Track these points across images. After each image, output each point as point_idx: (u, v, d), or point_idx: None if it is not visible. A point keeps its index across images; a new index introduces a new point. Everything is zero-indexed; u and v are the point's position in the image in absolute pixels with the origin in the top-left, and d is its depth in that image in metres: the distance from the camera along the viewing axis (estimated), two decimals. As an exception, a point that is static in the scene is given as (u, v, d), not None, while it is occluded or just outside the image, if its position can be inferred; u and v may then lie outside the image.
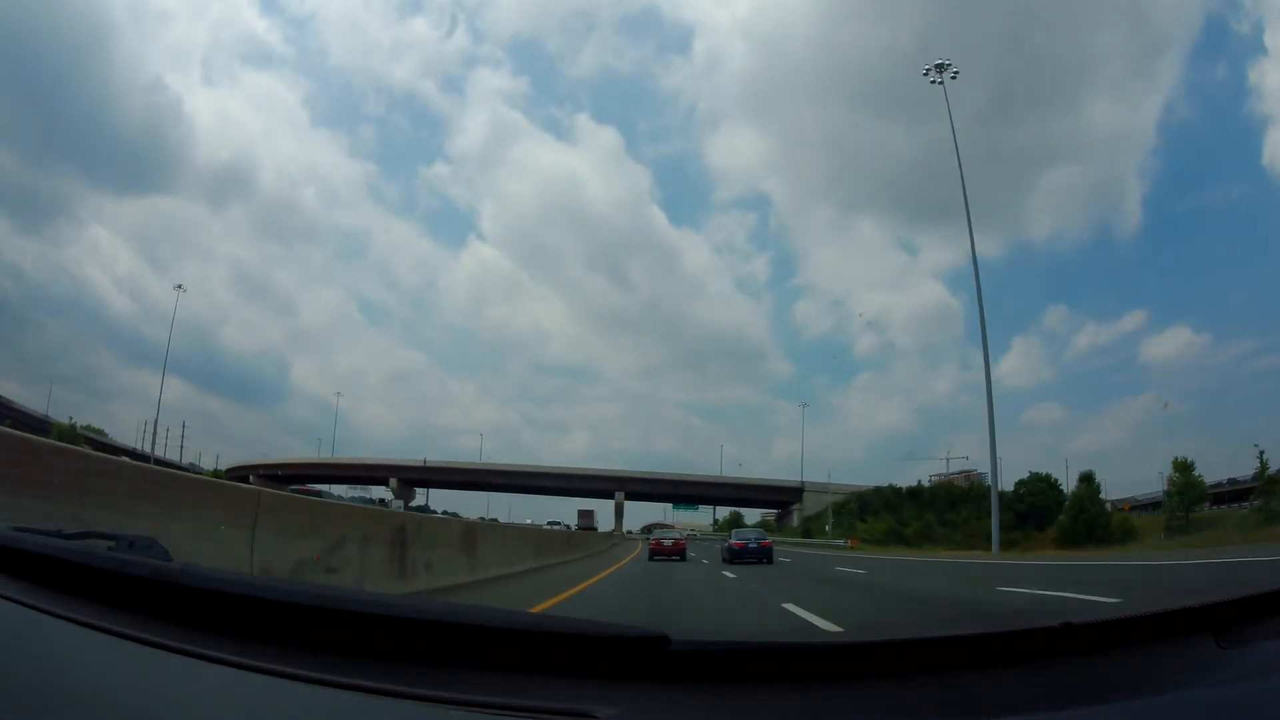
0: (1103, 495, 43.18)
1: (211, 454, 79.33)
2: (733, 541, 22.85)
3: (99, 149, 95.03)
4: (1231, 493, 40.16)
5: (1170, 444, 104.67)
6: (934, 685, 1.10)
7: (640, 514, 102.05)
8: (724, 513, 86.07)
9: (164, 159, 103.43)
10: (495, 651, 1.12)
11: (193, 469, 60.69)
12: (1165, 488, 37.31)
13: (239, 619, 1.18)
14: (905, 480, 66.68)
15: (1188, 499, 34.37)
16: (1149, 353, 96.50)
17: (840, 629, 5.38)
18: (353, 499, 60.98)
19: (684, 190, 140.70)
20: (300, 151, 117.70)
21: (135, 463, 6.25)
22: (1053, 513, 46.00)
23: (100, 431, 66.22)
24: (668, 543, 25.43)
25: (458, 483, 79.45)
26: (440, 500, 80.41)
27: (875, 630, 2.76)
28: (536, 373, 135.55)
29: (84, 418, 68.57)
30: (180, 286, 66.63)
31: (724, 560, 21.88)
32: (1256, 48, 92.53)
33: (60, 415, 64.21)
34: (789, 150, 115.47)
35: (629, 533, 73.07)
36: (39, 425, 53.35)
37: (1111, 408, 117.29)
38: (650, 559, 23.71)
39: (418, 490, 79.54)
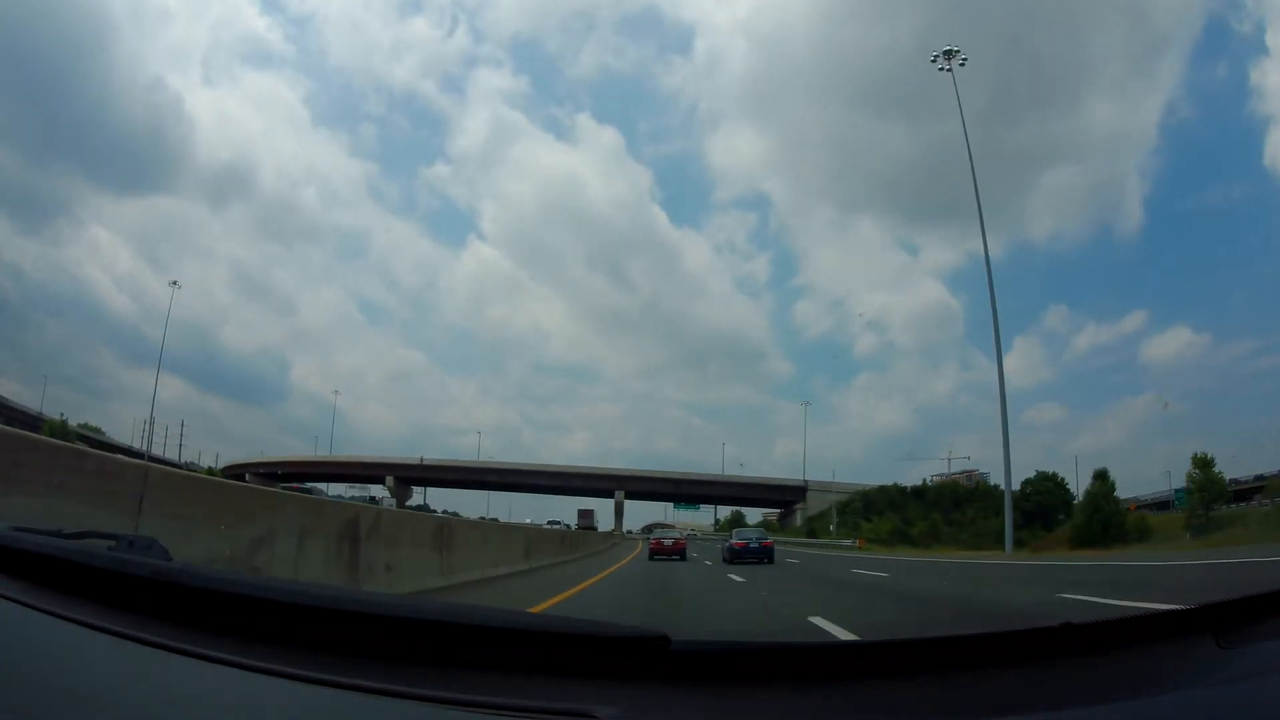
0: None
1: (211, 453, 79.66)
2: (733, 541, 22.84)
3: (99, 149, 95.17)
4: (1235, 492, 40.06)
5: (1170, 444, 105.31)
6: (934, 685, 1.10)
7: (641, 514, 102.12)
8: (725, 512, 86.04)
9: (164, 159, 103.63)
10: (495, 651, 1.12)
11: (190, 467, 60.68)
12: (1185, 484, 36.11)
13: (239, 619, 1.18)
14: (905, 480, 66.76)
15: (1209, 496, 33.32)
16: (1149, 353, 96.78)
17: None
18: (352, 498, 61.05)
19: (685, 190, 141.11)
20: (300, 151, 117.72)
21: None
22: (1059, 512, 45.89)
23: (97, 430, 66.41)
24: (668, 542, 25.83)
25: (455, 481, 79.26)
26: (440, 500, 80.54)
27: (876, 630, 2.77)
28: (537, 373, 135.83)
29: (85, 418, 68.94)
30: (175, 283, 67.07)
31: (724, 560, 21.85)
32: (1258, 48, 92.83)
33: (62, 415, 64.39)
34: (789, 150, 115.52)
35: (629, 533, 72.98)
36: (32, 422, 53.37)
37: (1112, 408, 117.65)
38: (650, 558, 23.97)
39: (415, 489, 79.56)
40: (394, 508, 30.17)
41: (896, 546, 46.47)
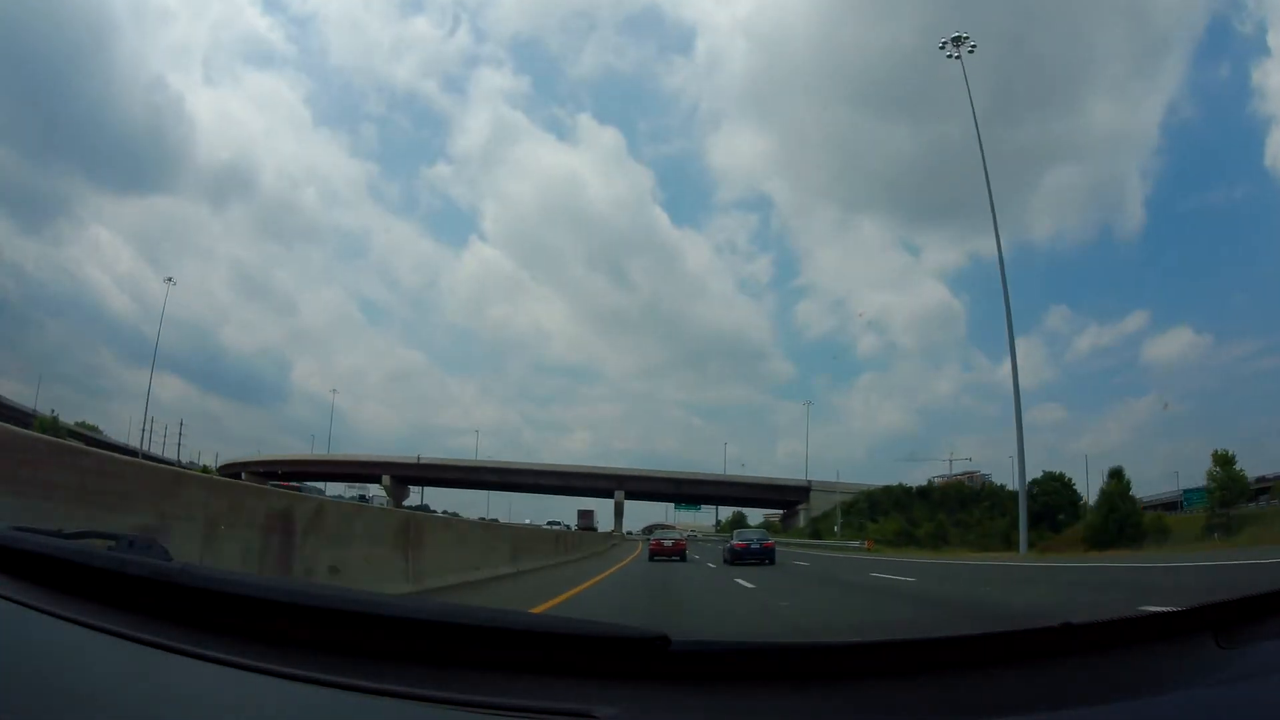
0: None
1: (211, 453, 79.64)
2: (734, 542, 22.84)
3: (99, 148, 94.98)
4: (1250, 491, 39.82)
5: (1171, 444, 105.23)
6: (934, 685, 1.10)
7: (641, 514, 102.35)
8: (727, 513, 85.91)
9: (165, 158, 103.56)
10: (495, 651, 1.12)
11: (189, 467, 60.69)
12: (1204, 483, 35.57)
13: (239, 619, 1.18)
14: (908, 481, 66.33)
15: (1230, 494, 32.73)
16: (1150, 353, 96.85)
17: None
18: (352, 498, 61.04)
19: (685, 190, 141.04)
20: (301, 151, 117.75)
21: None
22: (1066, 513, 45.71)
23: (94, 428, 66.49)
24: (668, 543, 25.98)
25: (453, 481, 78.95)
26: (439, 500, 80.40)
27: (876, 630, 2.76)
28: (537, 372, 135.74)
29: (85, 417, 68.90)
30: (170, 280, 67.25)
31: (725, 562, 21.80)
32: (1259, 48, 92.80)
33: (63, 415, 64.39)
34: (790, 150, 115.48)
35: (629, 533, 72.87)
36: (24, 419, 53.32)
37: (1113, 408, 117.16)
38: (650, 559, 24.11)
39: (413, 489, 79.33)
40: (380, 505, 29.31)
41: (903, 548, 46.20)
